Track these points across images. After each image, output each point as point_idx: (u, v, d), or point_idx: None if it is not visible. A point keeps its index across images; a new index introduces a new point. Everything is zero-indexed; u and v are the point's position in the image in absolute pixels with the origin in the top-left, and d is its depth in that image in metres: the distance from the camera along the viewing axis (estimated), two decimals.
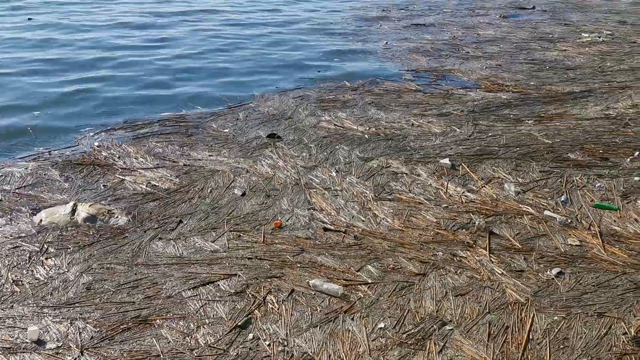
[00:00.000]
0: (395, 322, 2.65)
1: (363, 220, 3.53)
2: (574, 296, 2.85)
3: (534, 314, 2.71)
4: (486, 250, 3.21)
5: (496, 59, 7.49)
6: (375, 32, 8.98)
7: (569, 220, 3.55)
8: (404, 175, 4.12)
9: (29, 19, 8.94)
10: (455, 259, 3.13)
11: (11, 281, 2.85)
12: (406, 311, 2.72)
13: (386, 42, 8.27)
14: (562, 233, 3.42)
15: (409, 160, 4.36)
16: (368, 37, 8.60)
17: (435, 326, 2.62)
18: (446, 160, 4.29)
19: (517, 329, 2.62)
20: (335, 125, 5.05)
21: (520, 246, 3.28)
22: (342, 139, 4.75)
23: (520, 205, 3.72)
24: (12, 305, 2.68)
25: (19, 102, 5.42)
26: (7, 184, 3.84)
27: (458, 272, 3.02)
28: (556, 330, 2.62)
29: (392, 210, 3.64)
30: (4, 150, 4.37)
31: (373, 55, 7.60)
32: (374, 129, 4.95)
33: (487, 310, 2.73)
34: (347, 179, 4.05)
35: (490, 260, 3.12)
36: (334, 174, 4.12)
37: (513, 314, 2.72)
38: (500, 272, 3.02)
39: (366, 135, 4.82)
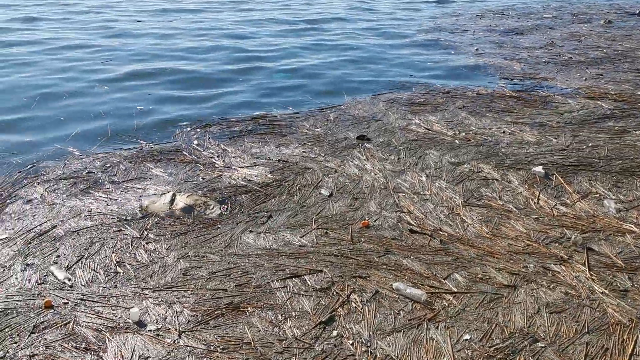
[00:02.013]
0: (482, 335, 2.57)
1: (451, 225, 3.47)
2: None
3: (637, 337, 2.54)
4: (584, 266, 3.05)
5: (598, 67, 7.10)
6: (468, 38, 8.79)
7: None
8: (495, 181, 4.00)
9: (138, 21, 9.54)
10: (548, 273, 3.00)
11: (115, 262, 3.05)
12: (494, 325, 2.63)
13: (477, 49, 8.07)
14: None
15: (500, 166, 4.23)
16: (460, 43, 8.43)
17: (526, 342, 2.52)
18: (539, 169, 4.12)
19: (617, 351, 2.46)
20: (425, 129, 5.00)
21: (623, 264, 3.08)
22: (431, 143, 4.69)
23: (622, 223, 3.50)
24: (116, 285, 2.87)
25: (124, 95, 5.80)
26: (112, 173, 4.12)
27: (551, 287, 2.89)
28: None
29: (480, 217, 3.55)
30: (111, 142, 4.68)
31: (465, 61, 7.44)
32: (464, 134, 4.85)
33: (586, 330, 2.59)
34: (437, 183, 3.99)
35: (591, 277, 2.95)
36: (423, 178, 4.07)
37: (614, 335, 2.55)
38: (601, 291, 2.85)
39: (456, 141, 4.73)
